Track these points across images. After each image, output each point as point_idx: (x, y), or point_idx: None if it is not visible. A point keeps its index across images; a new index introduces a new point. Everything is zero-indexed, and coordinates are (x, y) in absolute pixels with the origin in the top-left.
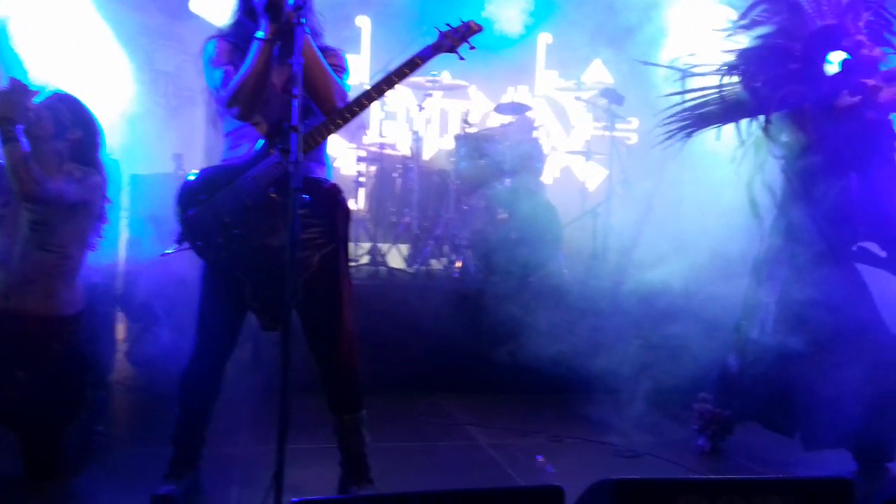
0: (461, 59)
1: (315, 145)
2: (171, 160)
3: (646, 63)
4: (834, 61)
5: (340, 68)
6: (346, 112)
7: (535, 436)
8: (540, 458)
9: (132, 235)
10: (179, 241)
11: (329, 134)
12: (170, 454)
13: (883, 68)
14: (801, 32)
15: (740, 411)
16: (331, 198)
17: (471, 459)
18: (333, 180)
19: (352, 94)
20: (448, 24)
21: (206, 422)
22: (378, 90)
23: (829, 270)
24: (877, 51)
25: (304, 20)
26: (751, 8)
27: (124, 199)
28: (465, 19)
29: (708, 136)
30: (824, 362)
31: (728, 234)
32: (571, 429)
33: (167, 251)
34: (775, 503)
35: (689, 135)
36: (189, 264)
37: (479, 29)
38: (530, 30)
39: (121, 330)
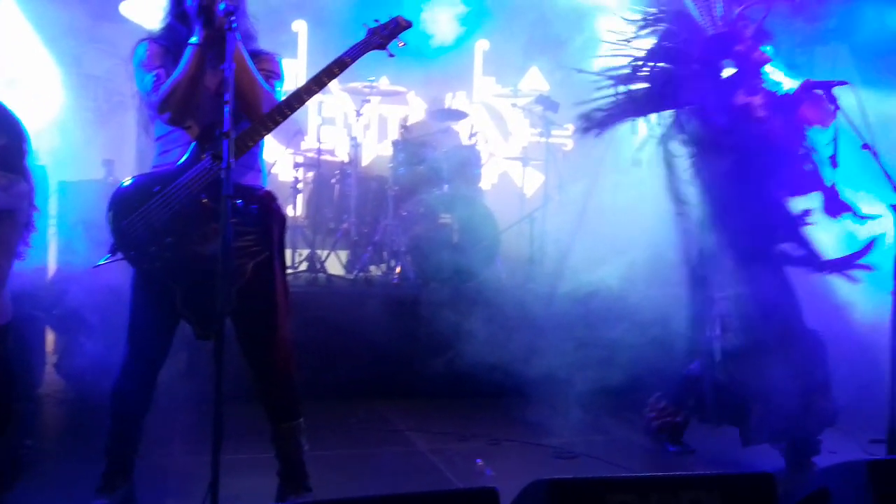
0: (391, 55)
1: (245, 150)
2: (101, 166)
3: (579, 70)
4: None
5: (274, 74)
6: (275, 116)
7: (474, 440)
8: (479, 462)
9: (61, 244)
10: (112, 252)
11: (258, 139)
12: (102, 467)
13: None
14: (696, 39)
15: (703, 414)
16: (265, 204)
17: (410, 465)
18: (269, 187)
19: None
20: (376, 21)
21: (139, 433)
22: (307, 91)
23: (758, 270)
24: (763, 56)
25: (235, 25)
26: (650, 18)
27: (52, 207)
28: (394, 15)
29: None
30: (762, 361)
31: (661, 237)
32: (510, 432)
33: (100, 262)
34: (702, 498)
35: (600, 132)
36: (120, 273)
37: (408, 25)
38: (467, 36)
39: (50, 341)
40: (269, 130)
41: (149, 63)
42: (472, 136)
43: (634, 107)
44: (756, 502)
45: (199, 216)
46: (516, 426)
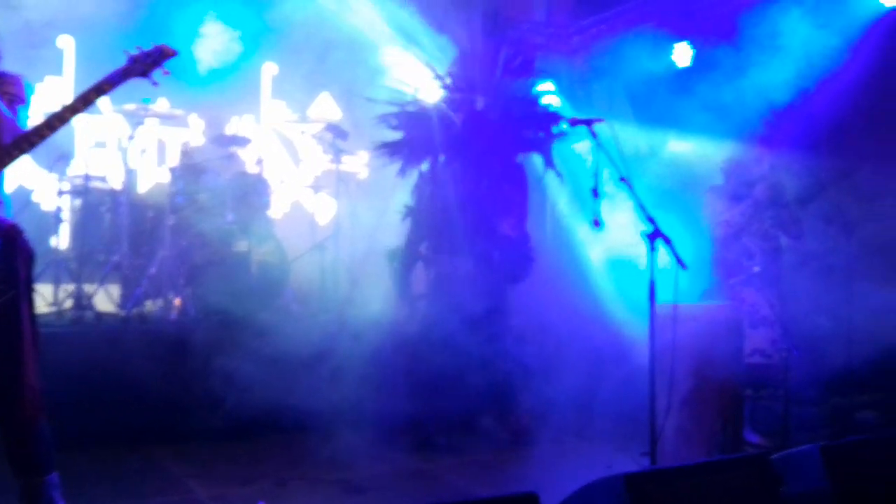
0: (155, 84)
1: None
2: None
3: (370, 99)
4: None
5: (17, 98)
6: (21, 145)
7: (259, 481)
8: None
9: None
10: None
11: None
12: None
13: None
14: None
15: None
16: (9, 239)
17: None
18: (25, 217)
19: None
20: (139, 48)
21: None
22: (60, 119)
23: None
24: None
25: None
26: None
27: None
28: (158, 43)
29: None
30: None
31: None
32: (298, 470)
33: None
34: None
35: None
36: None
37: (173, 53)
38: (250, 58)
39: None
40: (11, 160)
41: None
42: (258, 162)
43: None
44: None
45: None
46: (304, 464)
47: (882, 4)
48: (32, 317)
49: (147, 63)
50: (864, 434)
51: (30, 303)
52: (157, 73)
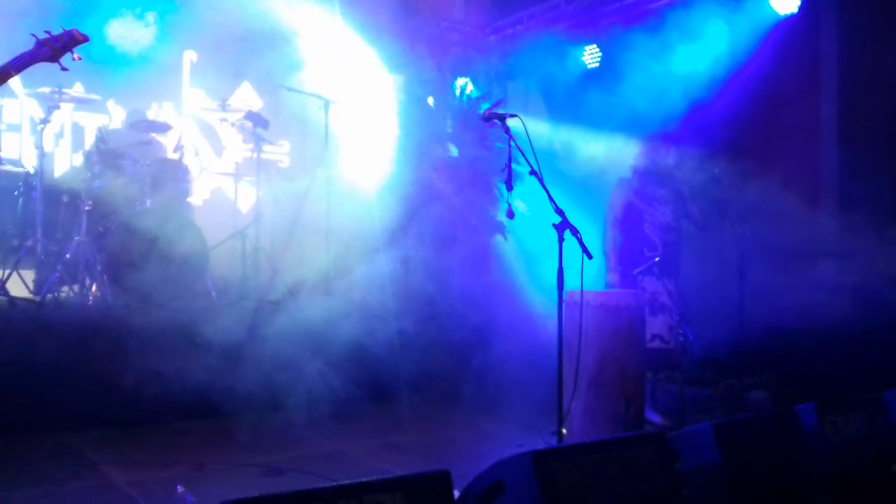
0: (64, 69)
1: None
2: None
3: (290, 89)
4: None
5: None
6: None
7: (176, 466)
8: (180, 489)
9: None
10: None
11: None
12: None
13: None
14: None
15: None
16: None
17: (103, 499)
18: None
19: None
20: (47, 32)
21: None
22: None
23: None
24: None
25: None
26: None
27: None
28: (68, 27)
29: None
30: None
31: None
32: (217, 454)
33: None
34: (386, 500)
35: None
36: None
37: (84, 39)
38: (168, 46)
39: None
40: None
41: None
42: (177, 149)
43: None
44: (437, 499)
45: None
46: (223, 447)
47: (776, 12)
48: None
49: (56, 48)
50: (755, 412)
51: None
52: (66, 59)
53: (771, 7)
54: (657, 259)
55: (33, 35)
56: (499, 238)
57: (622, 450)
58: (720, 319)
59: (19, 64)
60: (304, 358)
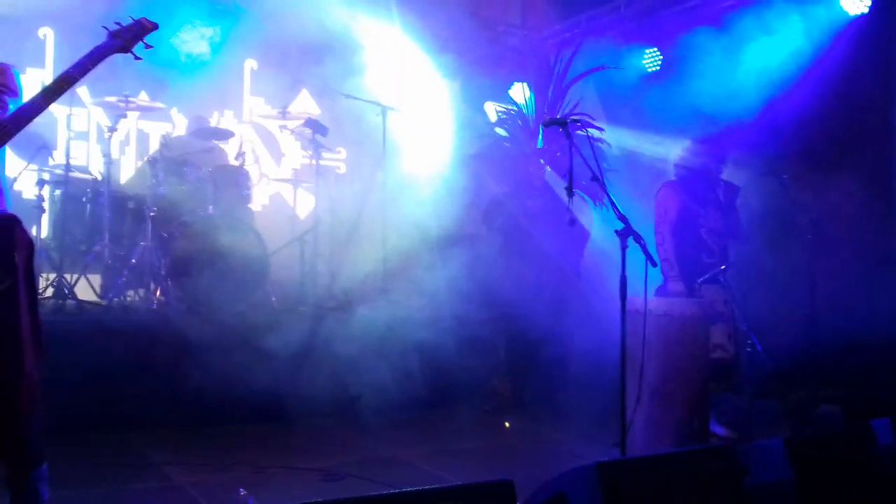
0: (137, 58)
1: None
2: None
3: (348, 96)
4: None
5: (7, 87)
6: (1, 134)
7: (237, 468)
8: (242, 491)
9: None
10: None
11: None
12: None
13: None
14: None
15: None
16: (6, 228)
17: (166, 500)
18: (11, 209)
19: None
20: (118, 24)
21: None
22: (47, 100)
23: None
24: None
25: None
26: None
27: None
28: (137, 17)
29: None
30: None
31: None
32: (276, 458)
33: None
34: None
35: None
36: None
37: (154, 27)
38: (231, 54)
39: None
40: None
41: None
42: (238, 156)
43: None
44: None
45: None
46: (283, 451)
47: (846, 12)
48: (33, 307)
49: (127, 38)
50: (825, 427)
51: (30, 293)
52: (138, 48)
53: (841, 7)
54: (724, 267)
55: (104, 27)
56: (563, 243)
57: (688, 463)
58: (788, 329)
59: (95, 57)
60: (360, 364)
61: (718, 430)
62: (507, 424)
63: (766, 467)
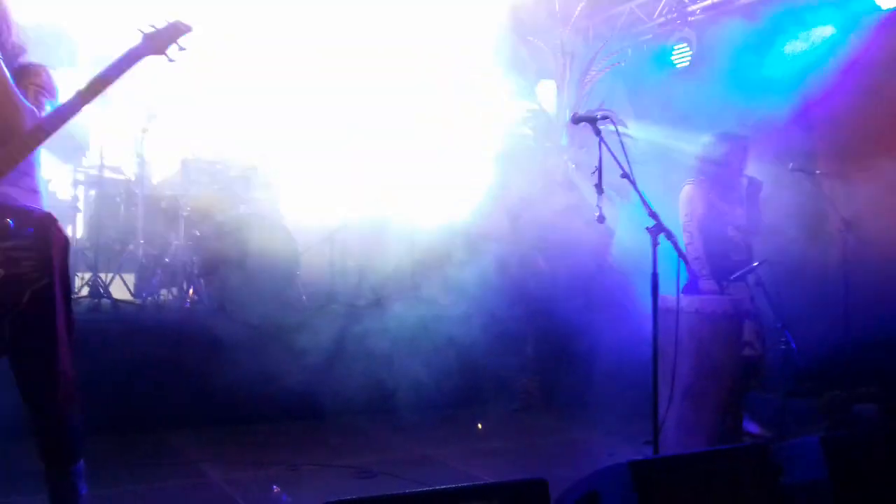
0: (171, 60)
1: (8, 170)
2: None
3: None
4: None
5: (44, 88)
6: (37, 134)
7: (271, 466)
8: (275, 488)
9: None
10: None
11: (21, 158)
12: None
13: None
14: None
15: None
16: (43, 227)
17: (201, 497)
18: (48, 208)
19: None
20: (153, 26)
21: None
22: (82, 101)
23: None
24: None
25: None
26: None
27: None
28: (171, 20)
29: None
30: None
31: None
32: (310, 455)
33: None
34: None
35: None
36: None
37: (188, 29)
38: None
39: None
40: (29, 151)
41: None
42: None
43: None
44: None
45: None
46: (316, 448)
47: (879, 6)
48: (68, 305)
49: (162, 40)
50: (860, 426)
51: (65, 292)
52: (172, 51)
53: (874, 1)
54: (757, 263)
55: (139, 30)
56: (593, 242)
57: (722, 462)
58: (822, 327)
59: (130, 59)
60: (391, 362)
61: (752, 428)
62: (479, 426)
63: (801, 466)
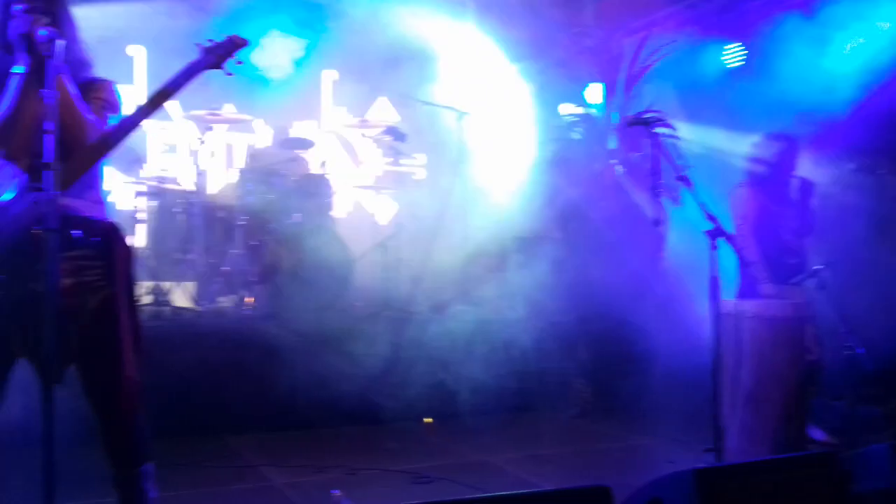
0: (228, 74)
1: (73, 181)
2: None
3: (425, 103)
4: None
5: (109, 102)
6: (101, 147)
7: (331, 470)
8: (336, 493)
9: None
10: None
11: (85, 169)
12: None
13: None
14: None
15: None
16: (108, 237)
17: (263, 500)
18: (111, 218)
19: None
20: (210, 40)
21: None
22: (143, 115)
23: None
24: None
25: (54, 52)
26: None
27: None
28: (229, 33)
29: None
30: None
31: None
32: (368, 460)
33: None
34: None
35: None
36: None
37: (244, 43)
38: (310, 66)
39: None
40: (93, 163)
41: None
42: (321, 164)
43: None
44: None
45: (30, 252)
46: (375, 454)
47: None
48: (134, 311)
49: (220, 54)
50: None
51: (130, 299)
52: (229, 64)
53: None
54: (820, 267)
55: (197, 44)
56: (640, 244)
57: (789, 470)
58: (889, 331)
59: (190, 72)
60: (446, 368)
61: (817, 435)
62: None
63: (871, 474)
